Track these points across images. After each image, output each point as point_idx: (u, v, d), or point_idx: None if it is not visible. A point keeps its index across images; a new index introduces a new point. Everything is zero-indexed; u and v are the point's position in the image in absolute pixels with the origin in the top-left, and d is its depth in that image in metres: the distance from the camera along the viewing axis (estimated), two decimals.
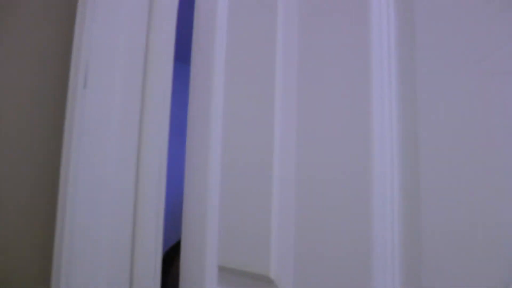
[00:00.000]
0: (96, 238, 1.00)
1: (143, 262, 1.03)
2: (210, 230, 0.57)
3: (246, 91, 0.59)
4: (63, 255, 0.96)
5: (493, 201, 0.27)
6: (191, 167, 0.70)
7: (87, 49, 1.02)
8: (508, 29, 0.30)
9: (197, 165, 0.68)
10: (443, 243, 0.29)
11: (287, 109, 0.50)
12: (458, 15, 0.33)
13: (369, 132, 0.38)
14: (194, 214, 0.65)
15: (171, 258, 1.74)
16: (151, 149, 1.08)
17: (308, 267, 0.40)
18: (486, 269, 0.26)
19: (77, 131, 1.00)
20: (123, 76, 1.06)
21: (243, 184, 0.54)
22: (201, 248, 0.59)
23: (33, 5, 1.30)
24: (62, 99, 1.09)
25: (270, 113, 0.52)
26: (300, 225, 0.42)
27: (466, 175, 0.30)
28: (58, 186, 1.03)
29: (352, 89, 0.41)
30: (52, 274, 0.98)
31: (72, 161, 1.00)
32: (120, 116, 1.05)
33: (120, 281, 1.00)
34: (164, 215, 1.07)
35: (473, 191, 0.29)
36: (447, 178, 0.31)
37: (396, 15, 0.39)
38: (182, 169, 0.77)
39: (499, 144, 0.28)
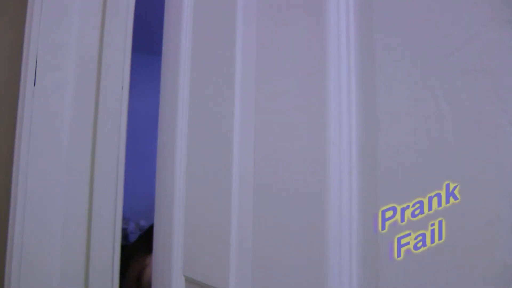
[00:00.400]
0: (47, 236, 0.96)
1: (99, 262, 1.01)
2: (176, 241, 0.57)
3: (208, 89, 0.57)
4: (14, 254, 0.93)
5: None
6: (160, 167, 0.69)
7: (36, 43, 0.96)
8: (477, 22, 0.28)
9: (165, 167, 0.66)
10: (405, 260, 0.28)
11: (246, 108, 0.49)
12: (422, 9, 0.31)
13: (324, 134, 0.37)
14: (162, 219, 0.64)
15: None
16: (107, 146, 1.04)
17: (264, 278, 0.41)
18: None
19: (26, 130, 0.94)
20: (75, 70, 1.01)
21: (204, 194, 0.54)
22: (169, 258, 0.59)
23: None
24: (14, 98, 1.03)
25: (230, 113, 0.50)
26: (256, 237, 0.42)
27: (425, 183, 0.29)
28: (10, 186, 0.99)
29: (308, 87, 0.40)
30: (5, 275, 0.95)
31: (22, 160, 0.95)
32: (73, 112, 1.00)
33: (74, 281, 0.97)
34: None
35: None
36: (406, 185, 0.30)
37: (355, 10, 0.37)
38: None
39: (463, 147, 0.27)
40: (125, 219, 3.88)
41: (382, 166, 0.32)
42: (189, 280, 0.55)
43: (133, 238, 3.92)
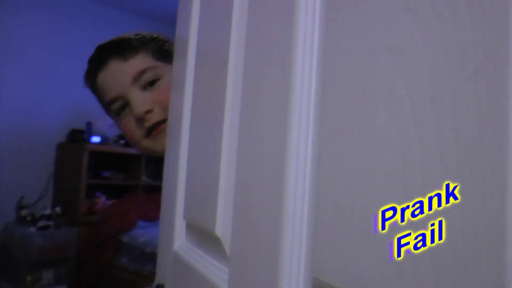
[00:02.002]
0: None
1: None
2: (179, 192, 0.73)
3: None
4: None
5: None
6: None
7: None
8: (395, 10, 0.30)
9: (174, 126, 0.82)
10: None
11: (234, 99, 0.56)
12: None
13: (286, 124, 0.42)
14: (170, 178, 0.80)
15: None
16: None
17: (240, 225, 0.49)
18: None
19: None
20: None
21: (199, 160, 0.68)
22: (173, 206, 0.75)
23: None
24: None
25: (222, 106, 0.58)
26: (237, 192, 0.52)
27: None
28: None
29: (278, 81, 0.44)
30: None
31: None
32: None
33: None
34: None
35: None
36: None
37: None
38: None
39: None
40: None
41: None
42: (188, 224, 0.72)
43: None
